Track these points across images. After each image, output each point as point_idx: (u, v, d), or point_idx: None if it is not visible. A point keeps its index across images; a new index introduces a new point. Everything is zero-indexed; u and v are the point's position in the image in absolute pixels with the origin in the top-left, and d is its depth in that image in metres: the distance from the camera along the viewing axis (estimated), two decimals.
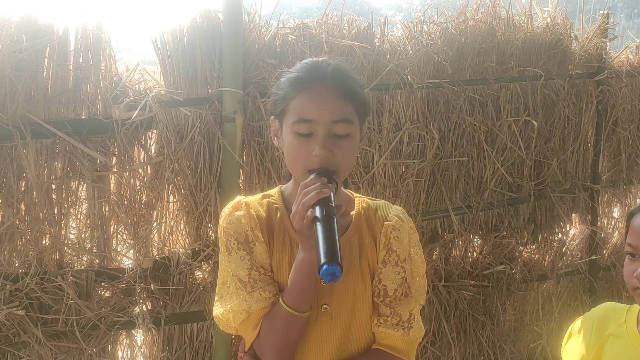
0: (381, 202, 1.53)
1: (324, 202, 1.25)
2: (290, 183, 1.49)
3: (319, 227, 1.22)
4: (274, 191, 1.51)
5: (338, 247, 1.19)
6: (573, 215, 3.48)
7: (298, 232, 1.30)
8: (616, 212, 3.71)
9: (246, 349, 1.46)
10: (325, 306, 1.41)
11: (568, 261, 3.45)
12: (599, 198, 3.49)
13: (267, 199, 1.48)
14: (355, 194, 1.54)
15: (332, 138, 1.35)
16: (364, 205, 1.50)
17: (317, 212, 1.24)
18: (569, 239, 3.48)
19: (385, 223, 1.46)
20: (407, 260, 1.45)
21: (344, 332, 1.43)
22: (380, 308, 1.44)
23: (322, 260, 1.17)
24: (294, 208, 1.30)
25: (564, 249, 3.42)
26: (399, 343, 1.43)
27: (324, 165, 1.33)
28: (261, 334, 1.40)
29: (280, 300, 1.37)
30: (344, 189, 1.53)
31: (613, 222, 3.69)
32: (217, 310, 1.45)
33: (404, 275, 1.44)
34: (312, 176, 1.31)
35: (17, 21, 2.08)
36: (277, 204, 1.47)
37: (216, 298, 1.47)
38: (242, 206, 1.43)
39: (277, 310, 1.37)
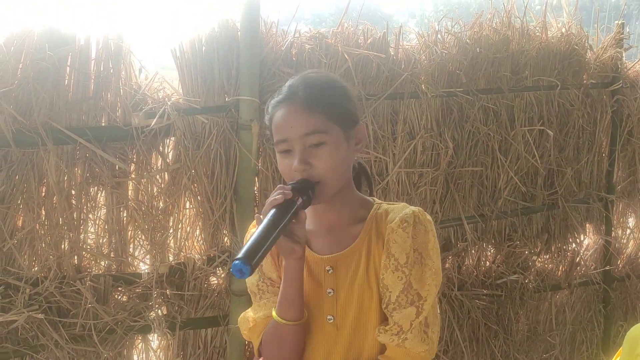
0: (397, 205, 1.45)
1: (279, 207, 1.28)
2: None
3: (259, 227, 1.25)
4: None
5: (261, 250, 1.20)
6: (587, 225, 3.46)
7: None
8: (631, 222, 3.69)
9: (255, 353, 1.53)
10: (330, 317, 1.41)
11: (582, 271, 3.43)
12: (614, 208, 3.47)
13: None
14: (377, 200, 1.51)
15: (309, 150, 1.35)
16: (380, 211, 1.45)
17: (269, 215, 1.27)
18: (583, 249, 3.47)
19: (388, 226, 1.39)
20: (408, 265, 1.36)
21: (350, 343, 1.42)
22: (386, 316, 1.42)
23: (239, 254, 1.18)
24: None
25: (577, 259, 3.40)
26: (400, 357, 1.38)
27: (304, 177, 1.35)
28: (262, 344, 1.47)
29: (273, 310, 1.42)
30: (360, 194, 1.51)
31: (628, 232, 3.66)
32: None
33: (406, 280, 1.35)
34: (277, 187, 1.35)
35: (40, 31, 2.13)
36: None
37: None
38: (255, 221, 1.48)
39: (272, 321, 1.43)
